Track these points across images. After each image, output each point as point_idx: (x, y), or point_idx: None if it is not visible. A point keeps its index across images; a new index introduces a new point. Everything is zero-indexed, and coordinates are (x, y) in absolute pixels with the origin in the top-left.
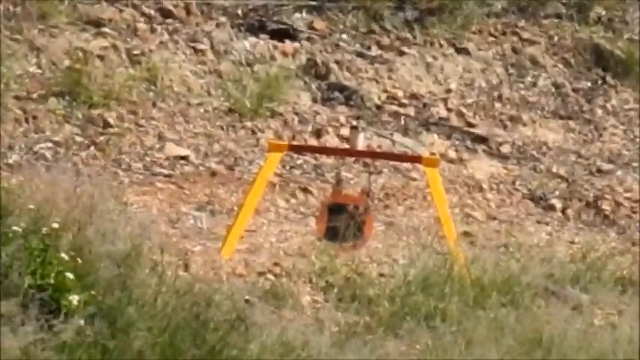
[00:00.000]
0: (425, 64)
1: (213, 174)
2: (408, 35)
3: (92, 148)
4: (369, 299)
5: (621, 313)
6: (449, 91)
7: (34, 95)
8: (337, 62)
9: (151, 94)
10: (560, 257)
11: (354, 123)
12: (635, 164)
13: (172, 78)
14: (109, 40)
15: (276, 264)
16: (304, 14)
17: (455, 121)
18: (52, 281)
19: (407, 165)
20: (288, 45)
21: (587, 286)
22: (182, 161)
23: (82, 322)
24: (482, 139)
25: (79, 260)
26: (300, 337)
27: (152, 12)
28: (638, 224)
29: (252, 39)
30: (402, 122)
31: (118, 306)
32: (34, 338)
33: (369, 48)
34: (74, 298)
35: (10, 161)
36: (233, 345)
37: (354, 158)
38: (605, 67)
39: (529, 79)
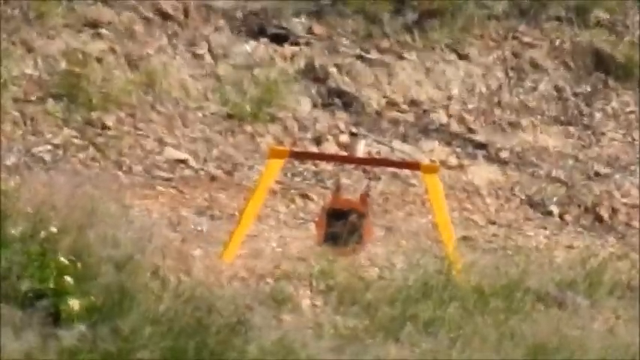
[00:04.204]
0: (425, 69)
1: (213, 179)
2: (408, 39)
3: (91, 150)
4: (368, 303)
5: (620, 318)
6: (449, 97)
7: (32, 97)
8: (336, 66)
9: (150, 97)
10: (559, 262)
11: (354, 130)
12: (633, 168)
13: (171, 82)
14: (107, 43)
15: (276, 268)
16: (303, 18)
17: (455, 127)
18: (51, 285)
19: (406, 171)
20: (288, 49)
21: (586, 291)
22: (182, 165)
23: (82, 326)
24: (481, 145)
25: (79, 264)
26: (299, 341)
27: (150, 14)
28: (637, 229)
29: (252, 43)
30: (402, 129)
31: (119, 311)
32: (34, 343)
33: (368, 52)
34: (74, 303)
35: (8, 163)
36: (233, 348)
37: (353, 165)
38: (606, 71)
39: (529, 83)
